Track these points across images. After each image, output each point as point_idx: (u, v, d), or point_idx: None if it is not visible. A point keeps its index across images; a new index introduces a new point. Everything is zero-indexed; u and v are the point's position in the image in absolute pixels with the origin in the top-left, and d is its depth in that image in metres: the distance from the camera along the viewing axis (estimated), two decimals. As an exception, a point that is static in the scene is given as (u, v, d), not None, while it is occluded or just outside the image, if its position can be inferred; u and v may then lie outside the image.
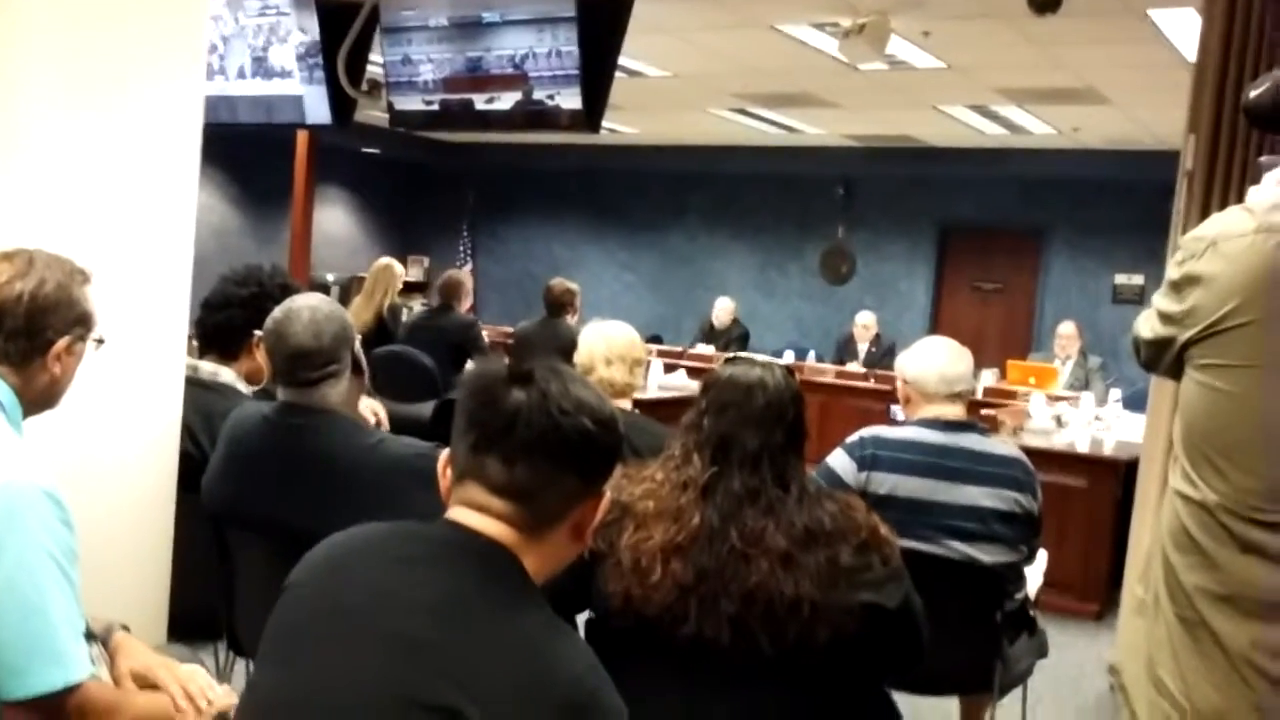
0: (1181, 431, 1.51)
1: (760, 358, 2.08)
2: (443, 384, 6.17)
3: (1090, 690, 4.29)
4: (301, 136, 8.56)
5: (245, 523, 2.32)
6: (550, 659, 1.19)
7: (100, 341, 1.82)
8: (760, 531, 1.85)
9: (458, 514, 1.29)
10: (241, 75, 6.03)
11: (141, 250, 2.33)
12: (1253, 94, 1.82)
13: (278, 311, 2.29)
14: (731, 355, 2.18)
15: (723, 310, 9.47)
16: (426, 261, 13.04)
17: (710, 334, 9.40)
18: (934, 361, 2.98)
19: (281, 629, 1.28)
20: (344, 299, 8.27)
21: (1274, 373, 1.37)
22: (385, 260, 6.92)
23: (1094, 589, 5.28)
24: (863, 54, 5.73)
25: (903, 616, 1.92)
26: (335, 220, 12.76)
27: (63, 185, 2.20)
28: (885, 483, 2.81)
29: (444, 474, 1.34)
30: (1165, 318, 1.59)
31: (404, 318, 6.84)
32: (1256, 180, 2.01)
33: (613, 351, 3.25)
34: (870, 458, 2.86)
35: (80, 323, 1.77)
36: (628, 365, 3.24)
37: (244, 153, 9.61)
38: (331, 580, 1.28)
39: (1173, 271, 1.55)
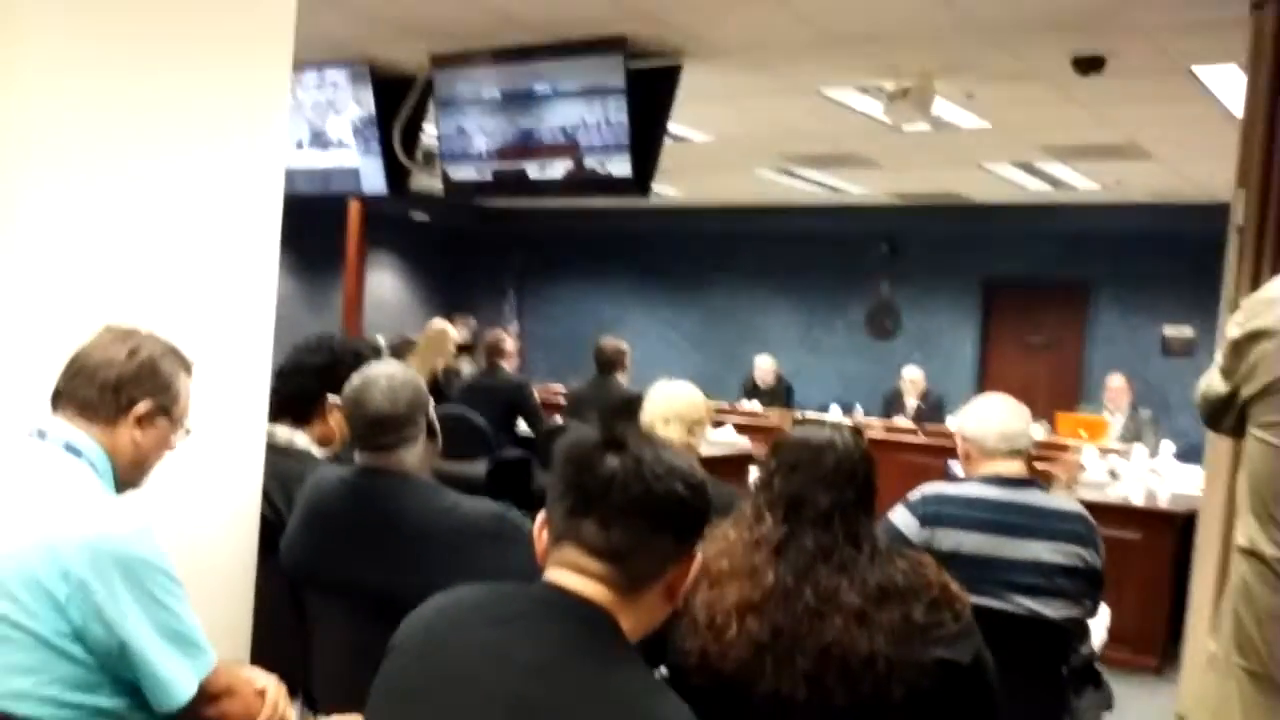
0: (1244, 488, 1.54)
1: (828, 418, 2.13)
2: (495, 443, 6.27)
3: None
4: (354, 205, 8.77)
5: (323, 584, 2.38)
6: (648, 714, 1.24)
7: (188, 432, 1.92)
8: (834, 589, 1.89)
9: (556, 575, 1.35)
10: (299, 146, 6.23)
11: (226, 320, 2.42)
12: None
13: (355, 379, 2.37)
14: (801, 419, 2.23)
15: (763, 368, 9.50)
16: (473, 322, 13.21)
17: (754, 391, 9.43)
18: (993, 419, 3.01)
19: (390, 688, 1.34)
20: (396, 360, 8.39)
21: None
22: (439, 323, 7.05)
23: (1152, 643, 5.24)
24: (907, 116, 5.82)
25: (976, 672, 1.95)
26: (384, 284, 12.99)
27: (148, 249, 2.29)
28: (949, 539, 2.83)
29: (540, 536, 1.40)
30: (1227, 374, 1.62)
31: (457, 379, 6.95)
32: None
33: (671, 410, 3.32)
34: (933, 515, 2.88)
35: (166, 396, 1.87)
36: (686, 425, 3.30)
37: (296, 220, 9.82)
38: (438, 640, 1.35)
39: (1234, 330, 1.59)
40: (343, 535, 2.30)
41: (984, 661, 1.97)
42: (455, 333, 7.05)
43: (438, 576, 2.01)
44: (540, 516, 1.41)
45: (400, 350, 10.08)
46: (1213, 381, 1.60)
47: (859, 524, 1.97)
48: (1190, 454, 6.18)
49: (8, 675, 1.61)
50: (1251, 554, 1.47)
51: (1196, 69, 5.41)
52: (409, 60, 6.01)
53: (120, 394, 1.80)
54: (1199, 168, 7.69)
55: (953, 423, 7.99)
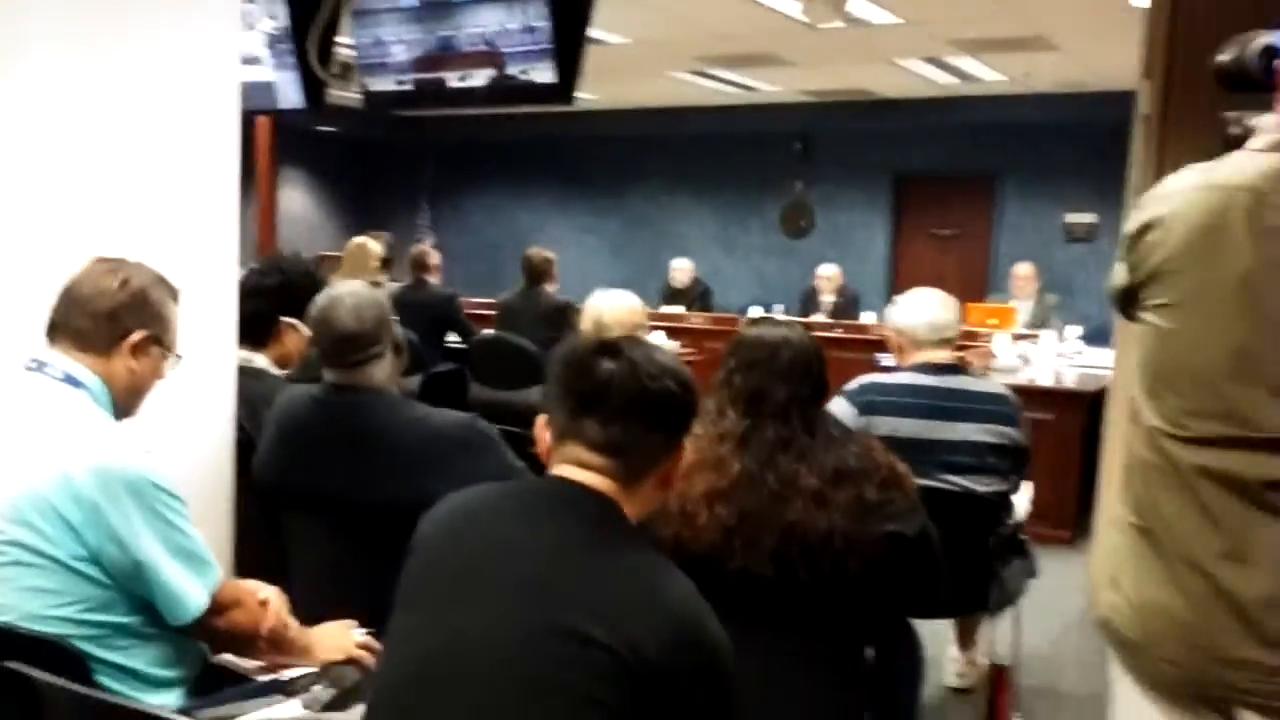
0: (1136, 367, 1.71)
1: (780, 318, 2.27)
2: (427, 357, 6.30)
3: (1069, 608, 4.56)
4: (262, 120, 8.58)
5: (300, 500, 2.44)
6: (658, 586, 1.39)
7: (179, 358, 1.97)
8: (794, 474, 2.04)
9: (563, 470, 1.48)
10: (212, 64, 6.06)
11: (191, 243, 2.45)
12: (1220, 58, 2.00)
13: (321, 299, 2.43)
14: (758, 317, 2.36)
15: (680, 270, 9.58)
16: (388, 236, 13.05)
17: (672, 295, 9.53)
18: (923, 311, 3.19)
19: (420, 581, 1.46)
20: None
21: (1195, 309, 1.56)
22: (360, 239, 6.99)
23: (1066, 516, 5.55)
24: (824, 15, 5.89)
25: (923, 543, 2.13)
26: (294, 201, 12.76)
27: (108, 177, 2.32)
28: (885, 425, 3.01)
29: (542, 435, 1.52)
30: (1125, 266, 1.78)
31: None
32: (1221, 131, 2.19)
33: (611, 318, 3.44)
34: (869, 403, 3.06)
35: (158, 324, 1.92)
36: (626, 331, 3.41)
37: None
38: (461, 536, 1.47)
39: (1129, 225, 1.73)
40: (318, 452, 2.38)
41: (930, 534, 2.16)
42: (378, 248, 6.99)
43: (414, 486, 2.11)
44: (541, 418, 1.52)
45: (316, 269, 9.98)
46: (1116, 273, 1.76)
47: (814, 414, 2.13)
48: (1096, 337, 6.47)
49: (29, 598, 1.69)
50: (1137, 424, 1.64)
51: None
52: (320, -30, 5.87)
53: (114, 324, 1.86)
54: (1104, 58, 7.88)
55: (869, 317, 8.26)
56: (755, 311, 8.60)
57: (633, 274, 11.54)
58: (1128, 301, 1.71)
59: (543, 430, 1.53)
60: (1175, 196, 1.62)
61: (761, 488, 2.04)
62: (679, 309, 9.04)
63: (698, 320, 8.51)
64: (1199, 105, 4.22)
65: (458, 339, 6.62)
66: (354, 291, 2.44)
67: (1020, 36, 7.39)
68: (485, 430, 2.40)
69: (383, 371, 2.44)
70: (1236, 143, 2.15)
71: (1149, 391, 1.62)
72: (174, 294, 1.96)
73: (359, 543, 2.36)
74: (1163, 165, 4.35)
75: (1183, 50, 4.23)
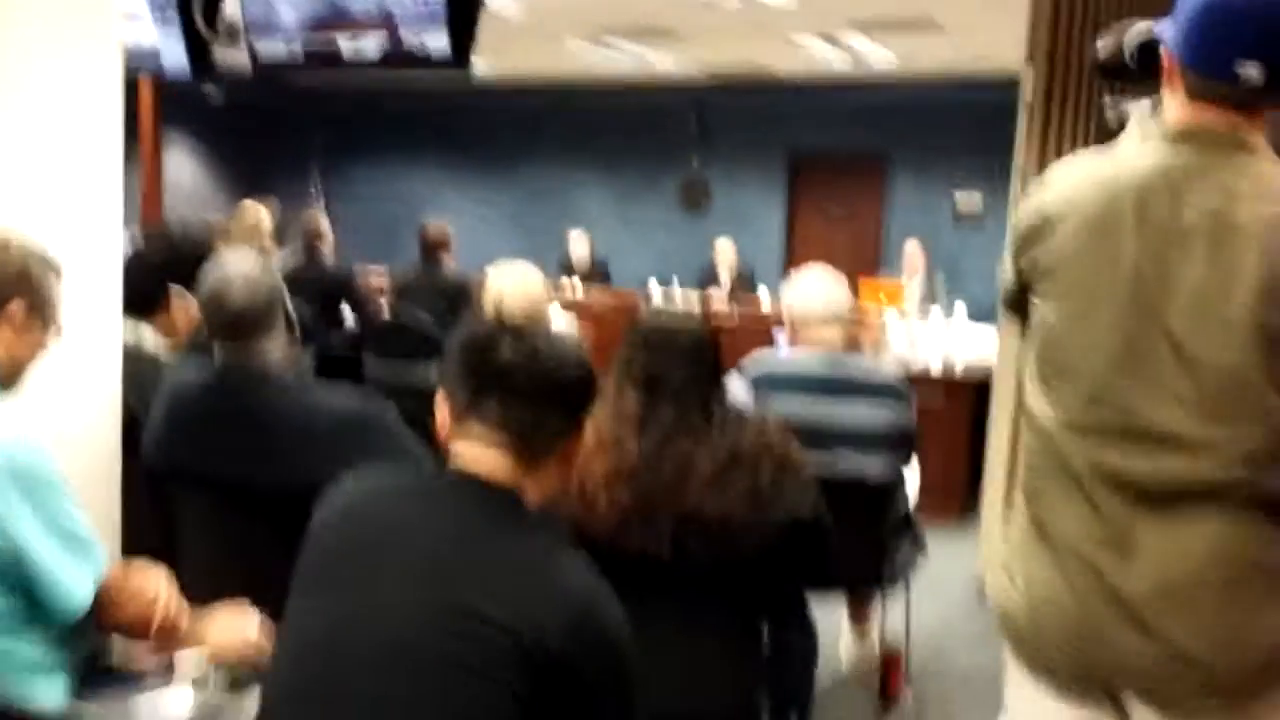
0: (1029, 356, 1.76)
1: (679, 305, 2.30)
2: (318, 336, 6.15)
3: (958, 588, 4.71)
4: (145, 84, 8.29)
5: (191, 481, 2.39)
6: (558, 572, 1.41)
7: (59, 331, 1.91)
8: (690, 458, 2.07)
9: (462, 451, 1.48)
10: (91, 23, 5.82)
11: (73, 214, 2.37)
12: (1100, 48, 2.05)
13: (212, 275, 2.36)
14: (655, 305, 2.38)
15: (577, 243, 9.56)
16: (276, 204, 12.73)
17: (571, 268, 9.50)
18: (815, 292, 3.24)
19: (317, 564, 1.45)
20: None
21: (1086, 301, 1.58)
22: (250, 206, 6.77)
23: (954, 498, 5.73)
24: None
25: (815, 526, 2.17)
26: (179, 168, 12.37)
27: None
28: (778, 405, 3.04)
29: (441, 415, 1.52)
30: (1012, 259, 1.80)
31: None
32: (1100, 119, 2.26)
33: (513, 295, 3.42)
34: (763, 382, 3.10)
35: (38, 296, 1.85)
36: (526, 303, 3.40)
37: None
38: (359, 519, 1.46)
39: (1019, 218, 1.72)
40: (208, 433, 2.33)
41: (822, 515, 2.20)
42: (268, 218, 6.79)
43: (306, 469, 2.07)
44: (439, 396, 1.52)
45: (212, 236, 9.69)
46: (1006, 268, 1.78)
47: (710, 397, 2.16)
48: (981, 314, 6.65)
49: None
50: (1029, 414, 1.67)
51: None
52: (205, -72, 5.67)
53: None
54: (992, 42, 8.04)
55: (765, 294, 8.35)
56: (654, 285, 8.64)
57: (531, 246, 11.44)
58: (1019, 294, 1.72)
59: (441, 408, 1.52)
60: (1065, 190, 1.64)
61: (659, 471, 2.06)
62: (576, 282, 9.03)
63: (596, 295, 8.51)
64: (1080, 90, 4.38)
65: (354, 319, 6.47)
66: (246, 266, 2.38)
67: (909, 17, 7.51)
68: (382, 412, 2.36)
69: (275, 350, 2.39)
70: (1114, 128, 2.23)
71: (1041, 379, 1.65)
72: (56, 268, 1.89)
73: (251, 526, 2.31)
74: (1045, 148, 4.50)
75: (1064, 36, 4.37)
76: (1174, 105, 1.59)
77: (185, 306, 2.79)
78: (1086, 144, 4.34)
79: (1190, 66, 1.54)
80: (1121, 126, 2.18)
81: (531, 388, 1.46)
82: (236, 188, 12.54)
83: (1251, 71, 1.47)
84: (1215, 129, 1.54)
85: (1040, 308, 1.65)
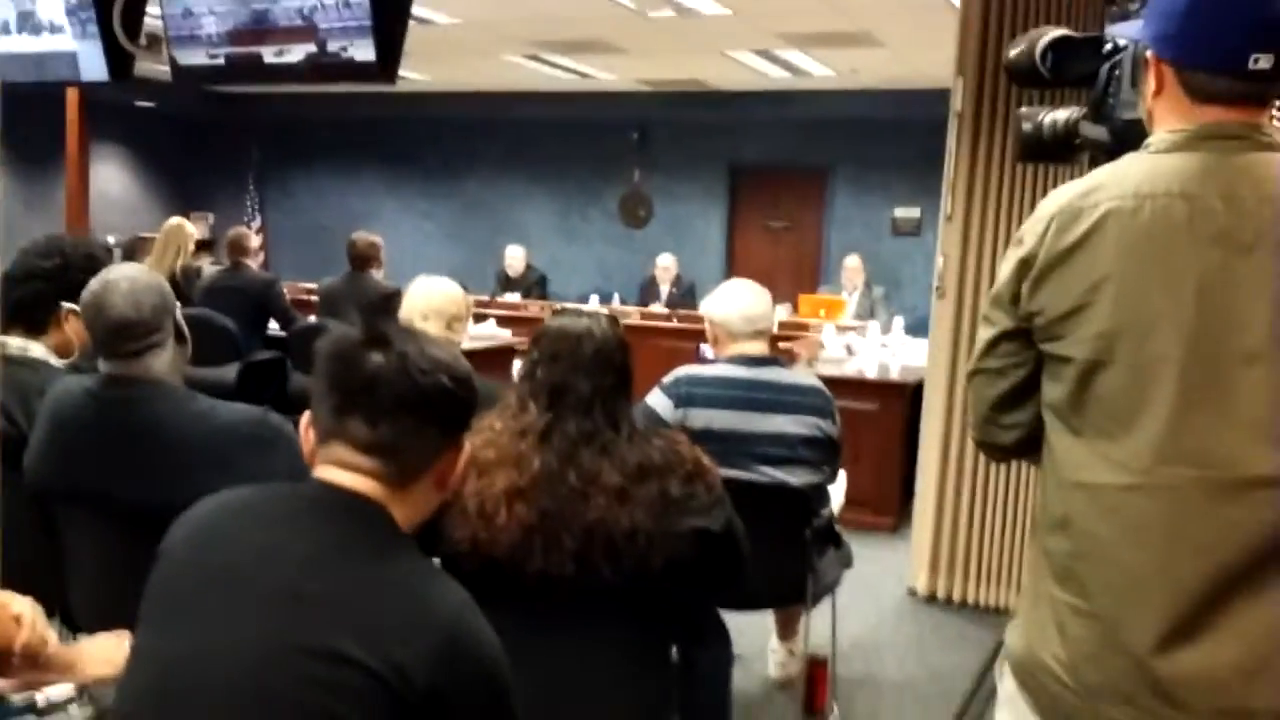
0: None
1: (586, 308, 2.21)
2: (244, 345, 6.05)
3: (888, 596, 4.68)
4: (72, 93, 8.09)
5: (75, 499, 2.28)
6: (426, 599, 1.30)
7: None
8: (596, 470, 1.99)
9: (327, 473, 1.37)
10: (6, 31, 5.67)
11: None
12: (1011, 53, 2.02)
13: (94, 284, 2.25)
14: (560, 309, 2.30)
15: (514, 259, 9.49)
16: (211, 218, 12.55)
17: (508, 283, 9.43)
18: (737, 303, 3.19)
19: (164, 593, 1.33)
20: (129, 262, 7.91)
21: (1126, 335, 1.41)
22: (176, 220, 6.68)
23: (889, 504, 5.70)
24: (653, 2, 5.86)
25: (726, 538, 2.10)
26: (110, 179, 12.12)
27: None
28: (701, 417, 3.00)
29: (307, 436, 1.41)
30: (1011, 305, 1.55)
31: (197, 279, 6.62)
32: (1016, 127, 2.22)
33: (430, 306, 3.32)
34: (686, 395, 3.04)
35: None
36: (445, 320, 3.30)
37: (8, 112, 8.99)
38: (210, 543, 1.34)
39: (1017, 258, 1.52)
40: (93, 448, 2.21)
41: (734, 528, 2.13)
42: (193, 229, 6.68)
43: (197, 485, 1.96)
44: (305, 416, 1.42)
45: (133, 250, 9.49)
46: (996, 313, 1.56)
47: (618, 408, 2.07)
48: (919, 328, 6.65)
49: None
50: (1074, 480, 1.47)
51: (921, -39, 5.70)
52: (125, -66, 5.54)
53: None
54: (926, 55, 8.11)
55: (704, 308, 8.32)
56: (594, 300, 8.60)
57: (470, 259, 11.37)
58: (1020, 334, 1.54)
59: (307, 430, 1.42)
60: (1081, 217, 1.46)
61: (563, 485, 1.98)
62: (515, 297, 8.95)
63: (533, 310, 8.43)
64: (1009, 101, 4.38)
65: (278, 326, 6.36)
66: (131, 276, 2.27)
67: (847, 32, 7.53)
68: (277, 425, 2.26)
69: (163, 362, 2.28)
70: (1029, 138, 2.18)
71: (1081, 433, 1.48)
72: None
73: (139, 546, 2.18)
74: (975, 160, 4.49)
75: (993, 47, 4.37)
76: (1176, 111, 1.46)
77: (78, 322, 2.67)
78: (1012, 153, 4.34)
79: (1197, 66, 1.43)
80: (1036, 135, 2.16)
81: (399, 400, 1.35)
82: (174, 201, 12.33)
83: (1264, 63, 1.38)
84: (1236, 127, 1.43)
85: (1070, 349, 1.45)
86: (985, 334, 1.58)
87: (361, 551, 1.31)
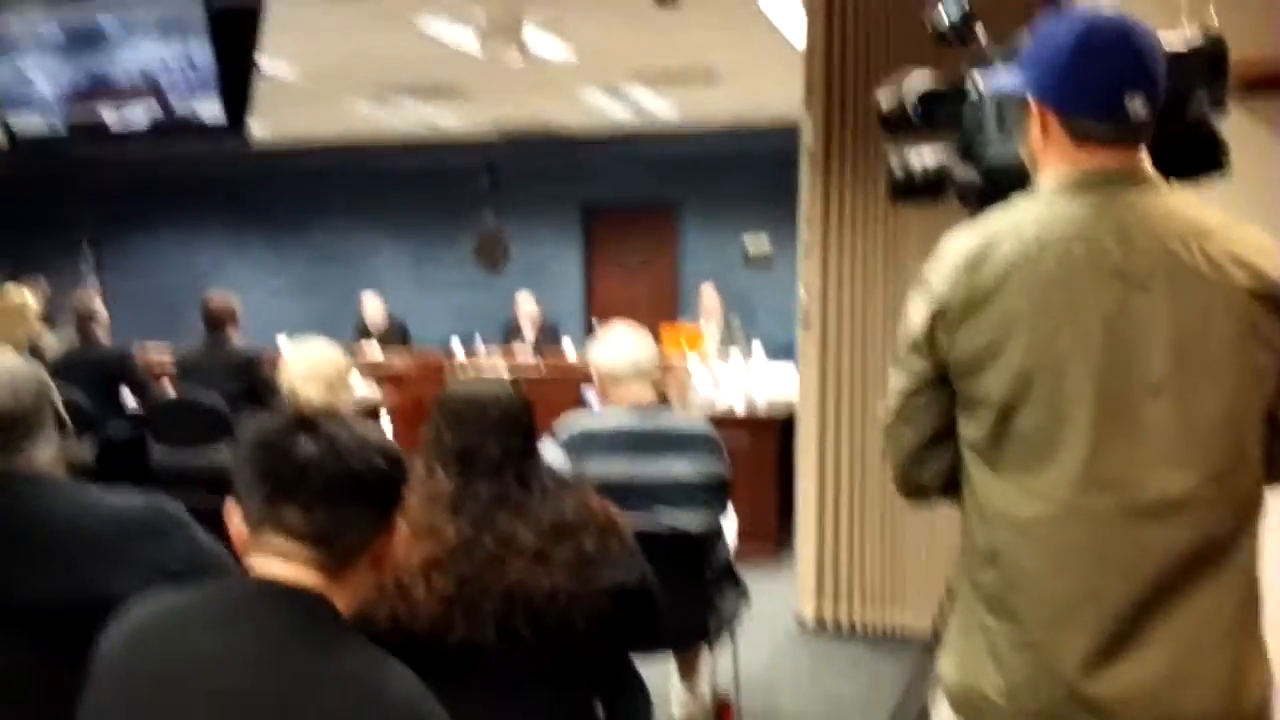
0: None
1: (486, 375, 2.21)
2: (100, 421, 5.77)
3: (779, 623, 4.76)
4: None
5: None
6: (377, 687, 1.28)
7: None
8: (512, 533, 1.98)
9: (263, 564, 1.34)
10: None
11: None
12: (884, 106, 2.10)
13: (-34, 378, 2.14)
14: (465, 379, 2.28)
15: (372, 307, 9.31)
16: (44, 284, 11.94)
17: (366, 332, 9.24)
18: (623, 351, 3.22)
19: (107, 707, 1.27)
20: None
21: (1041, 372, 1.47)
22: (14, 290, 6.31)
23: (767, 533, 5.80)
24: (501, 51, 5.89)
25: (643, 592, 2.12)
26: (-74, 248, 11.47)
27: None
28: (594, 467, 3.00)
29: (234, 524, 1.37)
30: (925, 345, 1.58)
31: (41, 354, 6.30)
32: (884, 162, 2.28)
33: (310, 370, 3.25)
34: (578, 445, 3.05)
35: None
36: (326, 383, 3.24)
37: None
38: (146, 654, 1.29)
39: (927, 302, 1.55)
40: (-24, 550, 2.09)
41: (649, 579, 2.15)
42: (35, 302, 6.34)
43: (91, 580, 1.90)
44: (229, 503, 1.38)
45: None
46: (910, 360, 1.58)
47: (528, 468, 2.08)
48: (777, 352, 6.83)
49: None
50: (996, 512, 1.52)
51: (761, 3, 5.88)
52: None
53: None
54: (770, 93, 8.35)
55: (570, 345, 8.34)
56: (456, 344, 8.49)
57: (324, 313, 11.12)
58: (935, 378, 1.58)
59: (234, 516, 1.38)
60: (987, 258, 1.51)
61: (479, 551, 1.97)
62: (374, 346, 8.78)
63: (396, 357, 8.29)
64: (857, 136, 4.56)
65: (134, 399, 6.08)
66: (7, 366, 2.16)
67: (690, 69, 7.71)
68: (173, 512, 2.17)
69: (46, 454, 2.17)
70: (898, 176, 2.26)
71: (1002, 469, 1.53)
72: None
73: (33, 649, 2.08)
74: (829, 192, 4.65)
75: (838, 84, 4.55)
76: (1061, 154, 1.53)
77: None
78: (868, 187, 4.52)
79: (1077, 111, 1.50)
80: (907, 175, 2.25)
81: (333, 486, 1.33)
82: (-2, 267, 11.72)
83: (1138, 105, 1.46)
84: (1119, 168, 1.50)
85: (987, 389, 1.50)
86: (900, 383, 1.61)
87: (309, 646, 1.28)
